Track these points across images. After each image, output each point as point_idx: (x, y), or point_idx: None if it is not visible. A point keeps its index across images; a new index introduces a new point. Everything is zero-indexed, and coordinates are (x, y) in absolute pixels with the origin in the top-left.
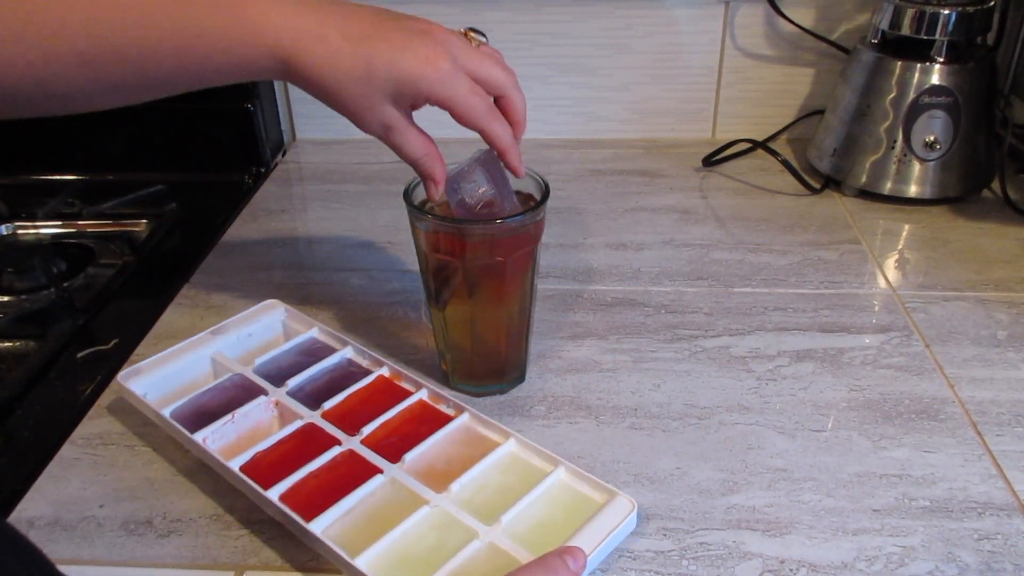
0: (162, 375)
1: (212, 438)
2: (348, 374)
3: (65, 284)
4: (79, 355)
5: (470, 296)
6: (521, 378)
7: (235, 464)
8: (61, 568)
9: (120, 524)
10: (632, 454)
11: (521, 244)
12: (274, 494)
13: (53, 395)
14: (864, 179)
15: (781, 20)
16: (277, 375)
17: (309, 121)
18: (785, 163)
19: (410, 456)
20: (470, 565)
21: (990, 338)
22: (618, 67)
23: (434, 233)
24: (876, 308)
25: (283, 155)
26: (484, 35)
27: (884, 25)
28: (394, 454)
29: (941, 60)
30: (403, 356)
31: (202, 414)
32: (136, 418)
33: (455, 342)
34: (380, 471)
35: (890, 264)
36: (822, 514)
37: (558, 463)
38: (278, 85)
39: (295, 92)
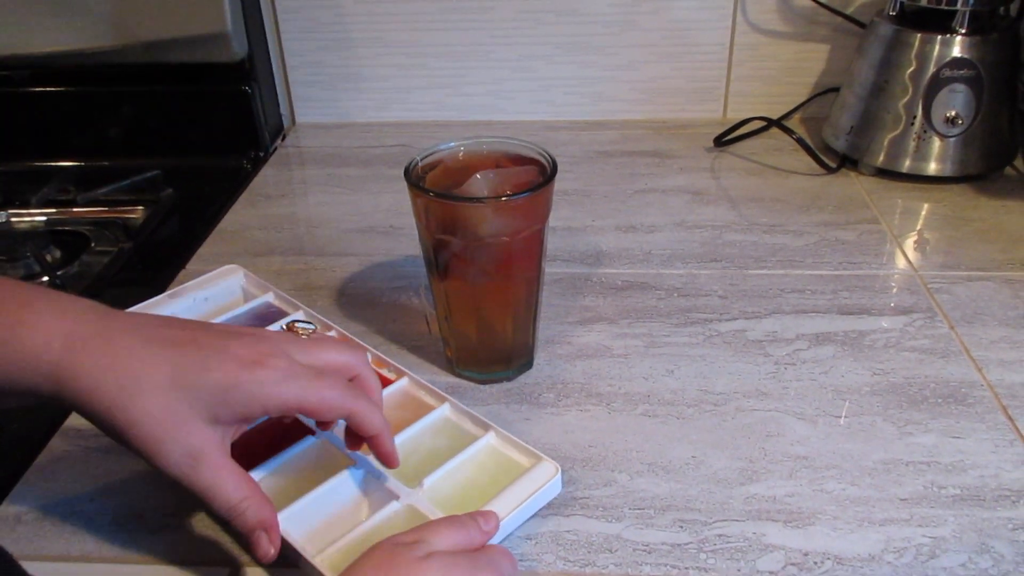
0: None
1: None
2: None
3: (59, 272)
4: None
5: (474, 279)
6: (529, 364)
7: None
8: (50, 565)
9: (111, 519)
10: (645, 442)
11: (527, 223)
12: None
13: None
14: (882, 157)
15: None
16: None
17: (309, 104)
18: (800, 141)
19: None
20: (386, 526)
21: (1018, 319)
22: (625, 45)
23: (436, 212)
24: (897, 289)
25: (282, 139)
26: (311, 324)
27: None
28: None
29: (963, 31)
30: (406, 343)
31: None
32: None
33: (459, 328)
34: (312, 432)
35: (911, 244)
36: (847, 504)
37: (489, 428)
38: (277, 67)
39: (295, 74)
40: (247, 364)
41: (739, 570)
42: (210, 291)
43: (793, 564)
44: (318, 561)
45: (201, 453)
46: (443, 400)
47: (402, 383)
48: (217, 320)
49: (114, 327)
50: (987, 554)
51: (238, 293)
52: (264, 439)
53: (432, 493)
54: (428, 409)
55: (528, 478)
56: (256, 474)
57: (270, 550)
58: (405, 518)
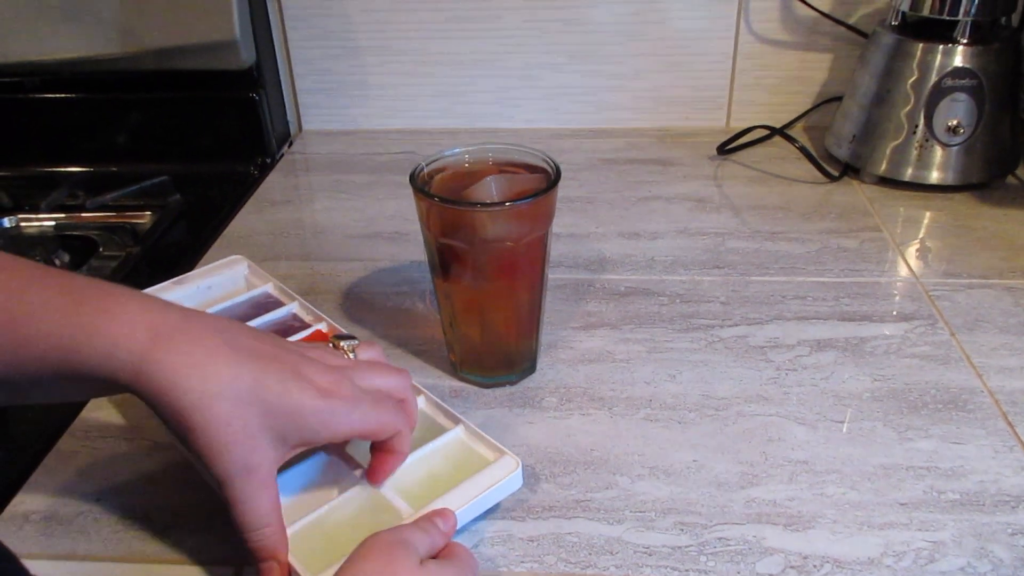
0: None
1: None
2: (289, 327)
3: None
4: None
5: (478, 283)
6: (532, 368)
7: None
8: (57, 564)
9: (118, 519)
10: (647, 446)
11: (531, 228)
12: None
13: None
14: (884, 166)
15: (797, 4)
16: None
17: (316, 112)
18: (803, 150)
19: None
20: (347, 510)
21: (1018, 326)
22: (630, 55)
23: (440, 216)
24: (899, 296)
25: (289, 146)
26: (354, 337)
27: (905, 6)
28: None
29: (964, 41)
30: (410, 347)
31: None
32: (136, 411)
33: (463, 332)
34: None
35: (912, 252)
36: (846, 508)
37: (459, 422)
38: (285, 74)
39: (302, 82)
40: (323, 393)
41: (739, 573)
42: (215, 279)
43: (792, 567)
44: None
45: (257, 469)
46: (419, 392)
47: None
48: (216, 308)
49: (197, 326)
50: (986, 559)
51: (242, 283)
52: None
53: (395, 481)
54: None
55: (488, 472)
56: None
57: None
58: (368, 504)
